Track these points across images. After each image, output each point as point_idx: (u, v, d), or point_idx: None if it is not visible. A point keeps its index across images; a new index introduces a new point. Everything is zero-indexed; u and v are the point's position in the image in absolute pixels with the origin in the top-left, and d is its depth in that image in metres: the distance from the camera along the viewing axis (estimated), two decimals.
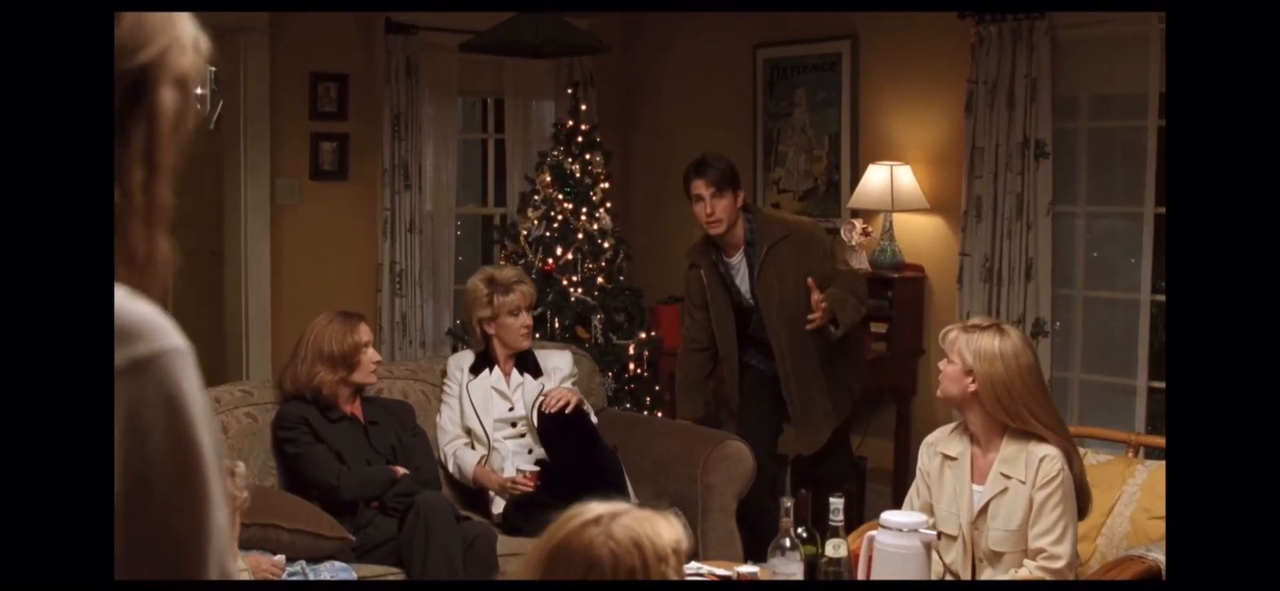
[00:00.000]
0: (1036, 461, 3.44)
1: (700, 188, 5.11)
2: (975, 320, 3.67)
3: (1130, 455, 4.25)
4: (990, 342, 3.47)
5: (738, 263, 5.22)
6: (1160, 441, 4.56)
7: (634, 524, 1.86)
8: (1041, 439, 3.47)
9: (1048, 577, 3.39)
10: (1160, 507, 3.95)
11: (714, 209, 5.08)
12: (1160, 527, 3.91)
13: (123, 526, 0.85)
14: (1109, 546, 3.95)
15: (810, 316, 4.91)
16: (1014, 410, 3.47)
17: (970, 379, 3.48)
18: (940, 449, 3.67)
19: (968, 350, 3.49)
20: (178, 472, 0.87)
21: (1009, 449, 3.49)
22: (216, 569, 0.90)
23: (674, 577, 1.85)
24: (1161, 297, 6.27)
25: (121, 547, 0.85)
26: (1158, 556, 3.62)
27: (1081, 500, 3.56)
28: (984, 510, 3.51)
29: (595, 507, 1.88)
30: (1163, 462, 4.21)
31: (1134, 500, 4.02)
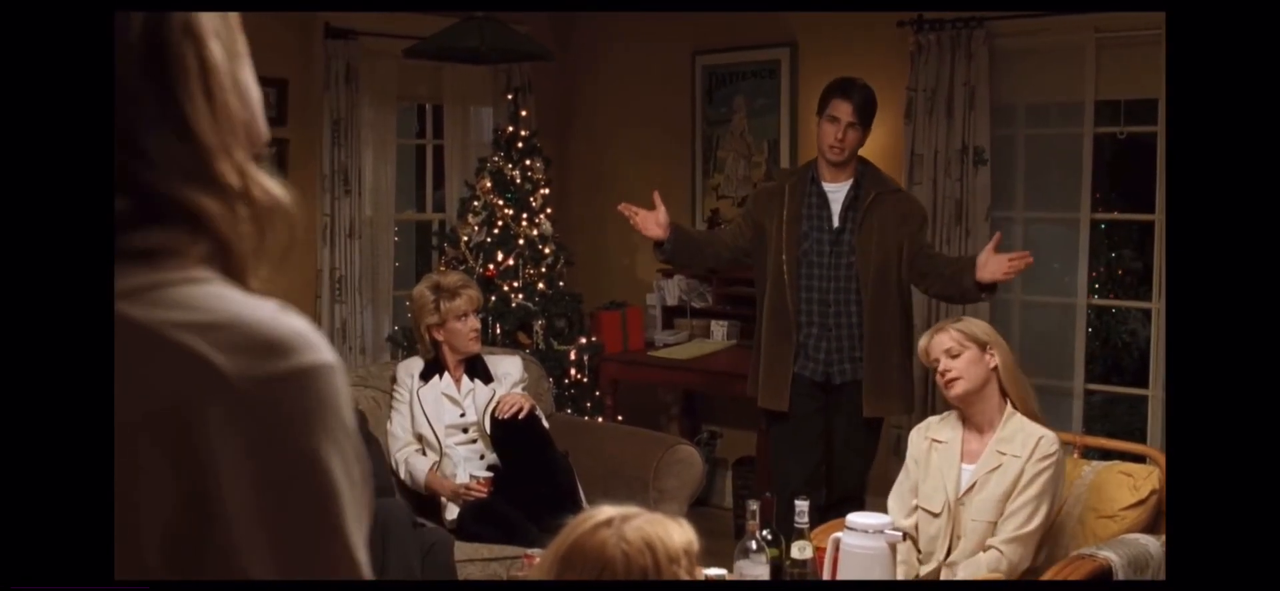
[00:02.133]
0: (1034, 439, 3.58)
1: (841, 110, 4.81)
2: (946, 323, 3.79)
3: (1074, 455, 4.34)
4: (987, 324, 3.69)
5: (838, 189, 4.90)
6: (1103, 442, 4.67)
7: (646, 525, 1.88)
8: (1037, 421, 3.62)
9: (1015, 542, 3.50)
10: (1107, 507, 4.04)
11: (847, 137, 4.80)
12: (1108, 527, 4.00)
13: (266, 545, 0.84)
14: (1058, 546, 4.03)
15: (990, 264, 4.56)
16: (1021, 383, 3.67)
17: (990, 355, 3.60)
18: (931, 434, 3.79)
19: (978, 329, 3.64)
20: (317, 499, 0.87)
21: (1007, 430, 3.64)
22: None
23: (686, 579, 1.87)
24: (1098, 301, 6.41)
25: (264, 569, 0.85)
26: (1108, 555, 3.70)
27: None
28: (972, 486, 3.62)
29: (607, 510, 1.90)
30: (1107, 463, 4.30)
31: (1082, 500, 4.10)
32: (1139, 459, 4.34)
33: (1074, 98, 5.64)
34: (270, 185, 0.93)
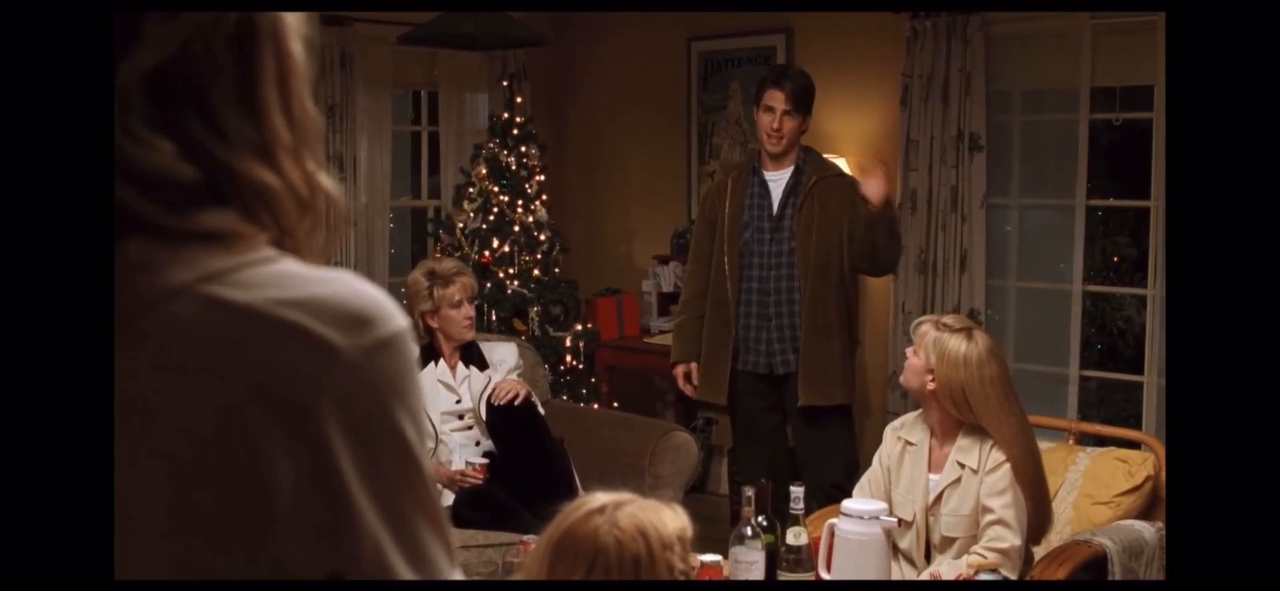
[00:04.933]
0: (988, 449, 3.50)
1: (776, 99, 4.82)
2: (948, 319, 3.66)
3: (1070, 442, 4.34)
4: (957, 346, 3.47)
5: (779, 177, 4.90)
6: (1098, 428, 4.67)
7: (639, 512, 1.88)
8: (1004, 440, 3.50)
9: (995, 558, 3.44)
10: (1102, 494, 4.04)
11: (783, 126, 4.81)
12: (1103, 512, 4.00)
13: (379, 513, 0.87)
14: (1053, 532, 4.02)
15: (869, 183, 4.57)
16: (971, 415, 3.51)
17: (930, 377, 3.52)
18: (903, 435, 3.71)
19: (933, 349, 3.51)
20: (414, 454, 0.90)
21: (965, 440, 3.54)
22: (443, 551, 0.92)
23: (679, 566, 1.87)
24: (1093, 287, 6.41)
25: (375, 534, 0.87)
26: (1103, 541, 3.69)
27: (1042, 517, 3.59)
28: (938, 498, 3.56)
29: (600, 497, 1.90)
30: (1102, 449, 4.31)
31: (1076, 486, 4.11)
32: (1134, 445, 4.34)
33: (1069, 84, 5.63)
34: (333, 190, 0.96)
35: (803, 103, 4.85)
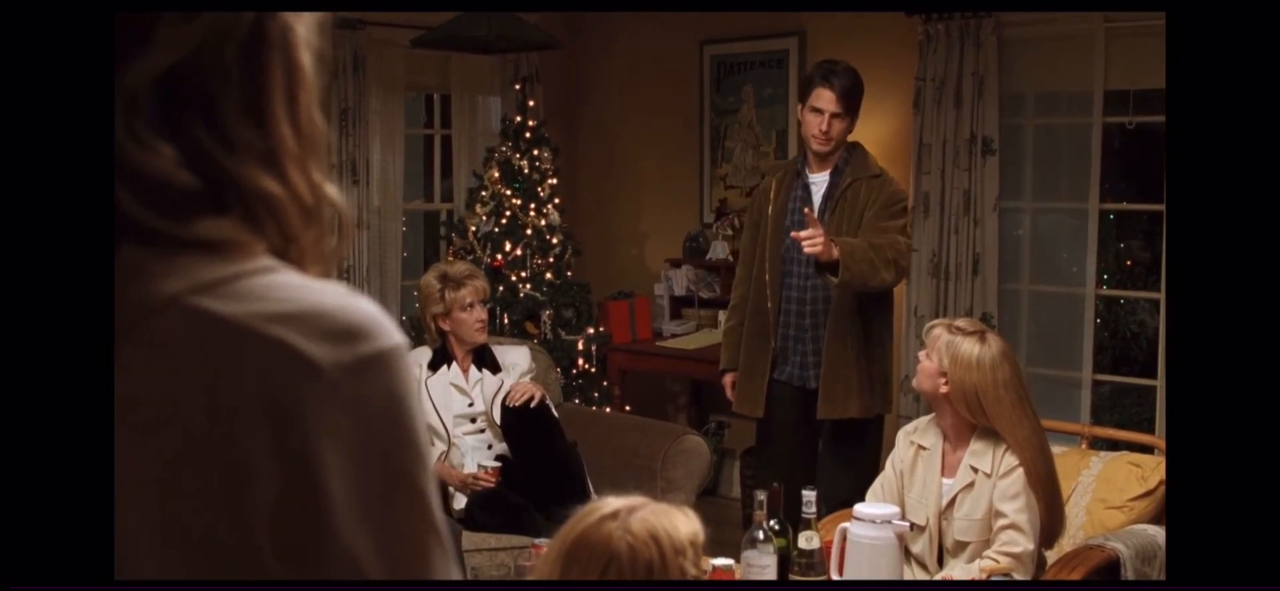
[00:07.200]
0: (1001, 453, 3.49)
1: (824, 100, 4.54)
2: (960, 322, 3.65)
3: (1082, 446, 4.33)
4: (970, 349, 3.46)
5: (821, 180, 4.66)
6: (1111, 432, 4.66)
7: (651, 517, 1.88)
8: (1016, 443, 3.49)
9: (1007, 562, 3.44)
10: (1115, 498, 4.04)
11: (831, 128, 4.54)
12: (1116, 517, 3.99)
13: (367, 523, 0.86)
14: (1066, 537, 4.02)
15: (803, 233, 4.25)
16: (984, 418, 3.50)
17: (943, 380, 3.51)
18: (916, 439, 3.70)
19: (946, 353, 3.50)
20: (405, 471, 0.89)
21: (978, 444, 3.53)
22: (442, 567, 0.91)
23: (692, 570, 1.87)
24: (1106, 292, 6.39)
25: (352, 552, 0.86)
26: (1116, 545, 3.68)
27: (1054, 521, 3.58)
28: (951, 502, 3.55)
29: (613, 502, 1.90)
30: (1116, 454, 4.30)
31: (1089, 491, 4.10)
32: (1147, 449, 4.34)
33: (1083, 87, 5.62)
34: (338, 200, 0.95)
35: (852, 102, 4.60)
